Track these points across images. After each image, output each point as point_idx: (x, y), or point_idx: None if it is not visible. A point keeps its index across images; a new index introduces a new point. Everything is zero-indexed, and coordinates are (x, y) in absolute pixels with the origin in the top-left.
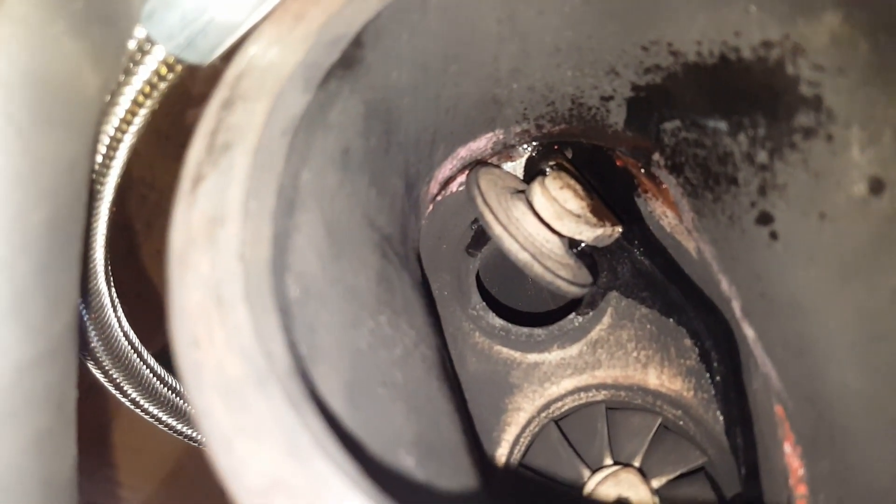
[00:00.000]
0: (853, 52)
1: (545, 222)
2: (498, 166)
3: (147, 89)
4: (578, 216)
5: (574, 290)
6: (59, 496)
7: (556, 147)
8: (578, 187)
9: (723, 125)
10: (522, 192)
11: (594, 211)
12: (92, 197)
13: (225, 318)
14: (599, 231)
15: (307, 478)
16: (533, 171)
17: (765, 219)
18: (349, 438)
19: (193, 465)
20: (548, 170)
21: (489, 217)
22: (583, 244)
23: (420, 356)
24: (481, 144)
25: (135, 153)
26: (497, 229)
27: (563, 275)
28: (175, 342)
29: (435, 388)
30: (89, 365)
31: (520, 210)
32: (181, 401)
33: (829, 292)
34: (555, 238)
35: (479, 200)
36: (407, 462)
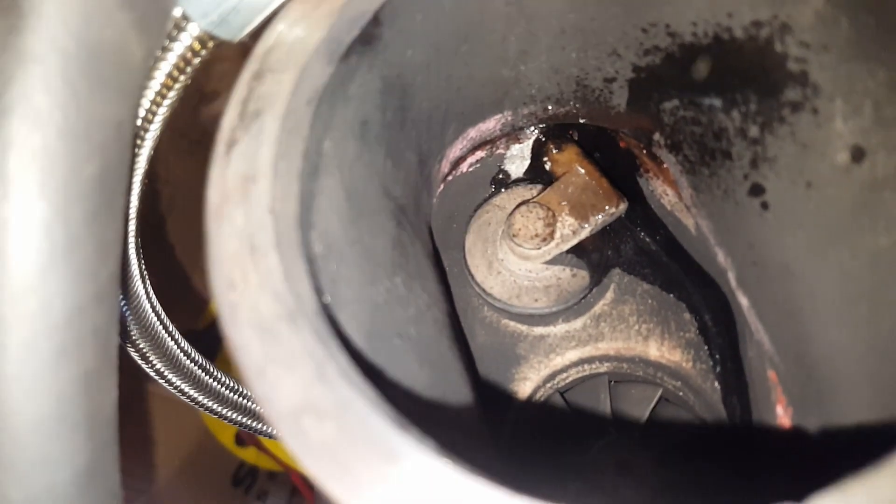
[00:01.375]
0: (836, 29)
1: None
2: (498, 191)
3: (182, 64)
4: (542, 246)
5: (558, 309)
6: (104, 431)
7: (561, 129)
8: (535, 222)
9: (717, 102)
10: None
11: (574, 213)
12: None
13: (258, 264)
14: (583, 234)
15: (333, 401)
16: (539, 153)
17: (756, 190)
18: (369, 374)
19: (205, 457)
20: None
21: (471, 280)
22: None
23: (432, 318)
24: (490, 125)
25: None
26: (477, 289)
27: (540, 305)
28: (213, 285)
29: (446, 347)
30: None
31: (504, 250)
32: (204, 374)
33: (815, 256)
34: (537, 265)
35: (464, 263)
36: (421, 401)
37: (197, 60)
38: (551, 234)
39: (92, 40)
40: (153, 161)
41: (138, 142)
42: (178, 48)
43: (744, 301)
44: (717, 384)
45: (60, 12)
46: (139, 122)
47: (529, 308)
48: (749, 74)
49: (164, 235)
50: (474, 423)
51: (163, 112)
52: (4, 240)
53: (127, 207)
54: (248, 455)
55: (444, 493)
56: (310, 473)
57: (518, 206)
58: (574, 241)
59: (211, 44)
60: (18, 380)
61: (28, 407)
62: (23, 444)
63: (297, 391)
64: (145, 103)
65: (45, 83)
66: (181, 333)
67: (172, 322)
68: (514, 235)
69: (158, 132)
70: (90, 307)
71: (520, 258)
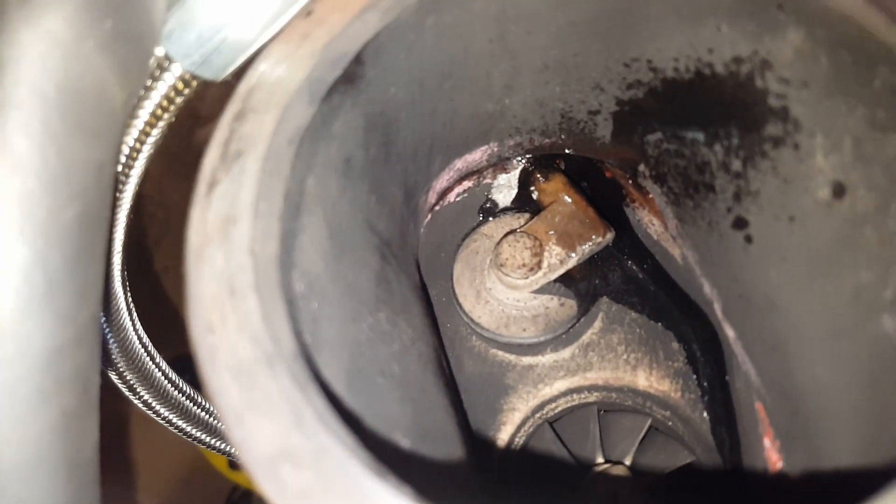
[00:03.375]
0: (815, 66)
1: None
2: (486, 220)
3: (165, 103)
4: (530, 276)
5: (546, 338)
6: (83, 474)
7: (551, 159)
8: (522, 252)
9: (700, 136)
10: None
11: (561, 242)
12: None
13: (237, 307)
14: (571, 263)
15: (311, 448)
16: (526, 182)
17: (740, 223)
18: (349, 417)
19: (198, 480)
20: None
21: (458, 309)
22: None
23: (417, 353)
24: (477, 156)
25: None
26: (465, 318)
27: (528, 335)
28: (192, 328)
29: (431, 383)
30: (103, 367)
31: (492, 279)
32: (191, 404)
33: (799, 290)
34: (525, 294)
35: (452, 292)
36: (403, 443)
37: (180, 100)
38: (538, 264)
39: (72, 86)
40: (147, 184)
41: (122, 178)
42: (162, 88)
43: (730, 333)
44: (705, 414)
45: (40, 59)
46: (123, 160)
47: (518, 337)
48: (731, 109)
49: (157, 258)
50: (459, 459)
51: (147, 149)
52: None
53: (108, 248)
54: (242, 479)
55: None
56: None
57: (505, 235)
58: (561, 271)
59: (194, 83)
60: None
61: (6, 451)
62: (1, 489)
63: (275, 438)
64: (129, 141)
65: (25, 128)
66: (171, 358)
67: (164, 347)
68: (501, 265)
69: (143, 168)
70: (70, 350)
71: (507, 287)
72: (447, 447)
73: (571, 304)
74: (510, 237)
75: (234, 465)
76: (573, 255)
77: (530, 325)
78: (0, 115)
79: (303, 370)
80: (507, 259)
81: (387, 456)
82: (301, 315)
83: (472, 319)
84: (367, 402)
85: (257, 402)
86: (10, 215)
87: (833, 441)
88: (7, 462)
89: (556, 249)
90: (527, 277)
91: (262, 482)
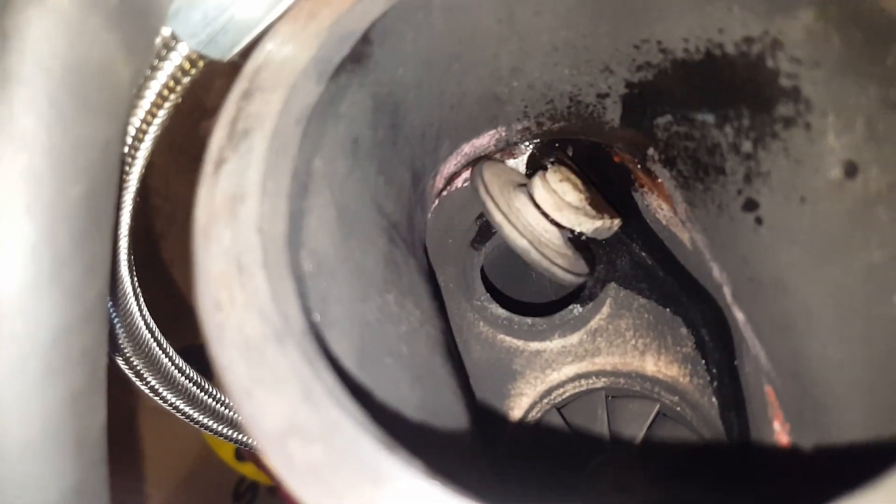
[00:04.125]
0: (827, 45)
1: (545, 213)
2: (502, 161)
3: (171, 83)
4: (577, 208)
5: (570, 278)
6: (92, 451)
7: (556, 145)
8: (578, 181)
9: (710, 118)
10: (525, 185)
11: (593, 204)
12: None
13: (245, 284)
14: (598, 223)
15: (320, 422)
16: (535, 168)
17: (750, 205)
18: (358, 395)
19: (205, 472)
20: (548, 165)
21: (491, 205)
22: (583, 236)
23: (425, 335)
24: (485, 141)
25: (150, 164)
26: (497, 216)
27: (559, 263)
28: (200, 306)
29: (438, 365)
30: (110, 352)
31: (521, 201)
32: (198, 390)
33: (810, 271)
34: (553, 228)
35: (483, 190)
36: (412, 420)
37: (187, 80)
38: (585, 200)
39: (77, 62)
40: (153, 176)
41: (129, 160)
42: (168, 67)
43: (739, 316)
44: (714, 399)
45: (45, 34)
46: (129, 141)
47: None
48: (741, 90)
49: (163, 251)
50: (467, 440)
51: (153, 130)
52: None
53: (115, 227)
54: (248, 470)
55: None
56: (296, 496)
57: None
58: (591, 226)
59: (201, 63)
60: (5, 401)
61: (15, 429)
62: (10, 466)
63: (284, 413)
64: (135, 122)
65: (31, 105)
66: (180, 349)
67: (172, 338)
68: (560, 180)
69: (150, 150)
70: (78, 328)
71: (552, 206)
72: (456, 425)
73: (584, 264)
74: (561, 166)
75: (240, 456)
76: (602, 218)
77: (556, 256)
78: (6, 92)
79: (312, 346)
80: (568, 176)
81: (396, 433)
82: (310, 293)
83: (508, 219)
84: (376, 382)
85: (266, 377)
86: (16, 193)
87: (843, 422)
88: (15, 440)
89: (588, 207)
90: (582, 204)
91: (271, 457)
